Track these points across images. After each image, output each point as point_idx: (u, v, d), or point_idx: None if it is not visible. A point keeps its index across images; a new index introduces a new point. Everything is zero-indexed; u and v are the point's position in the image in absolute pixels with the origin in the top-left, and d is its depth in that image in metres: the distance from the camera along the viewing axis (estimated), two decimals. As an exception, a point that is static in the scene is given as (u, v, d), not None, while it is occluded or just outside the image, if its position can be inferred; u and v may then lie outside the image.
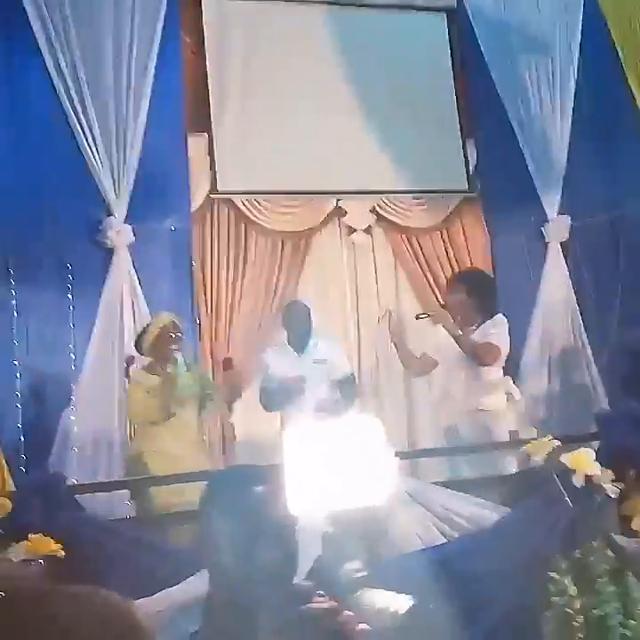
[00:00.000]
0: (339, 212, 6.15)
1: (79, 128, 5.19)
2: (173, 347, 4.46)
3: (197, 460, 4.38)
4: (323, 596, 1.01)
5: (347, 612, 0.98)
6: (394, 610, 1.00)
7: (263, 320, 5.81)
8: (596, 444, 2.78)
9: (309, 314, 4.98)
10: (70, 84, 5.18)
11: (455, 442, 4.42)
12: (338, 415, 4.71)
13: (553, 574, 2.52)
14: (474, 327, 4.60)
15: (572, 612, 2.50)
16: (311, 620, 0.98)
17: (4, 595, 0.73)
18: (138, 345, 4.60)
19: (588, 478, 2.60)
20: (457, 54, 6.46)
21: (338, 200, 6.12)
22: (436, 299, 6.03)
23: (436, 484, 2.94)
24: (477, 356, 4.52)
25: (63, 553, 2.27)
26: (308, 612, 0.98)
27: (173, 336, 4.48)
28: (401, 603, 1.01)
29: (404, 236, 6.27)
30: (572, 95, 6.23)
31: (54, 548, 2.29)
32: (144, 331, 4.58)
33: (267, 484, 1.38)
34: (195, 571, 1.94)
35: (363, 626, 0.98)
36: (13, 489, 3.21)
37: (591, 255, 6.19)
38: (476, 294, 4.60)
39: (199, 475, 2.74)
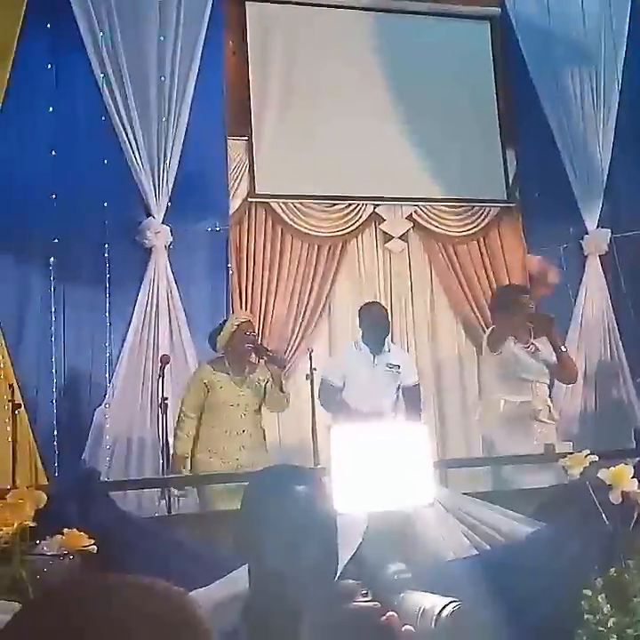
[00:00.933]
0: (376, 218, 6.14)
1: (121, 128, 5.26)
2: (248, 346, 4.47)
3: (257, 460, 4.35)
4: (366, 594, 1.00)
5: (391, 613, 0.97)
6: (438, 612, 0.99)
7: (296, 324, 5.81)
8: (634, 460, 2.73)
9: (387, 316, 4.95)
10: (114, 83, 5.26)
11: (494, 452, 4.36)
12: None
13: (587, 591, 2.48)
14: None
15: (604, 630, 2.46)
16: (355, 619, 0.98)
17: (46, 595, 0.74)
18: (211, 340, 4.63)
19: (625, 494, 2.56)
20: (499, 63, 6.42)
21: (375, 206, 6.11)
22: (471, 308, 5.99)
23: (468, 494, 2.91)
24: (572, 373, 4.55)
25: (96, 548, 2.28)
26: (351, 610, 0.98)
27: (249, 334, 4.51)
28: (445, 606, 1.00)
29: (440, 244, 6.23)
30: (616, 107, 6.17)
31: (88, 543, 2.30)
32: (220, 327, 4.60)
33: (308, 482, 1.38)
34: (227, 571, 1.94)
35: (407, 627, 0.97)
36: (46, 483, 3.24)
37: (631, 269, 6.11)
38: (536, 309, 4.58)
39: (239, 475, 2.74)
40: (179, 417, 4.49)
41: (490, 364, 4.65)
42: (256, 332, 4.67)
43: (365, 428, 1.20)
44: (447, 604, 1.00)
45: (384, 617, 0.98)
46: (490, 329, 4.57)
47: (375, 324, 4.83)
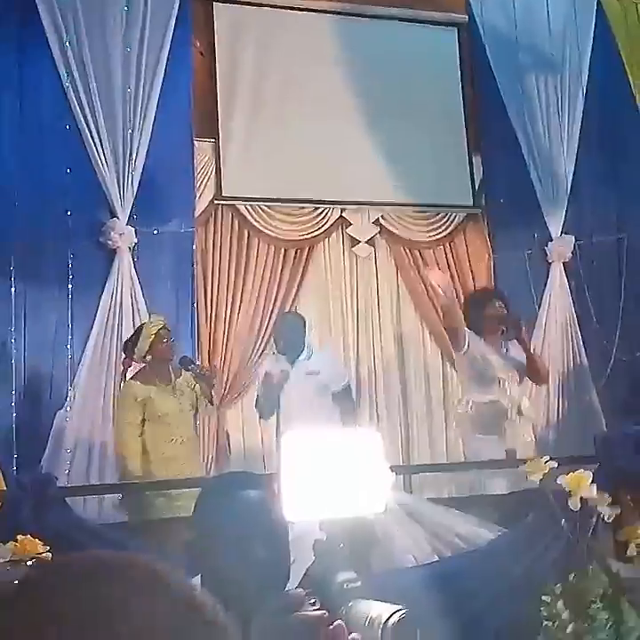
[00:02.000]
0: (342, 222, 6.14)
1: (86, 129, 5.20)
2: (167, 355, 4.41)
3: (193, 468, 4.34)
4: (314, 603, 0.99)
5: (338, 621, 0.97)
6: (384, 621, 0.99)
7: (262, 327, 5.78)
8: (593, 466, 2.75)
9: (303, 325, 4.94)
10: (79, 83, 5.19)
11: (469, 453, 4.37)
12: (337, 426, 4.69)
13: (546, 597, 2.50)
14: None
15: (563, 637, 2.47)
16: (302, 628, 0.97)
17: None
18: (127, 350, 4.54)
19: (584, 501, 2.57)
20: (466, 70, 6.46)
21: (342, 210, 6.11)
22: (436, 312, 6.01)
23: (430, 500, 2.91)
24: (543, 375, 4.61)
25: (50, 555, 2.24)
26: (299, 619, 0.97)
27: (166, 342, 4.43)
28: (393, 614, 0.99)
29: (406, 248, 6.25)
30: (580, 114, 6.24)
31: (41, 550, 2.25)
32: (136, 335, 4.49)
33: (260, 489, 1.37)
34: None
35: (354, 636, 0.96)
36: (4, 488, 3.18)
37: (594, 276, 6.18)
38: (509, 311, 4.61)
39: (193, 481, 2.71)
40: (120, 436, 4.41)
41: (460, 364, 4.68)
42: (171, 336, 4.53)
43: (317, 435, 1.19)
44: (394, 613, 1.00)
45: (331, 626, 0.97)
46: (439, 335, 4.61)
47: (289, 333, 4.83)
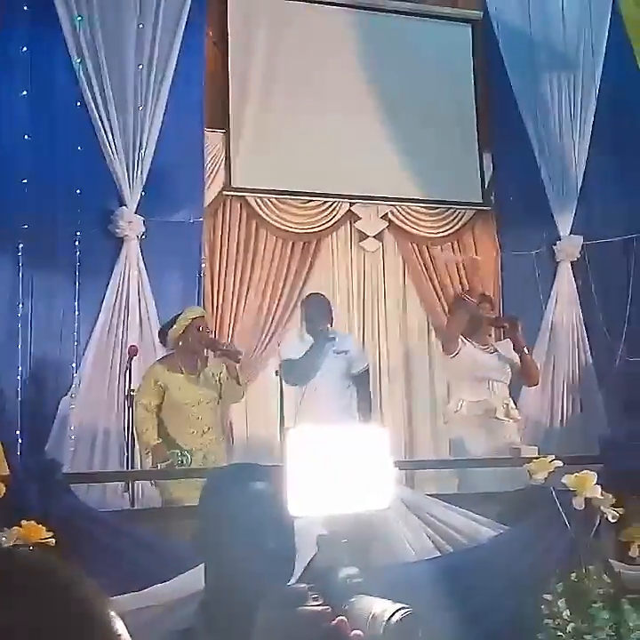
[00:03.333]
0: (351, 216, 6.13)
1: (97, 117, 5.19)
2: (202, 342, 4.40)
3: (216, 458, 4.32)
4: (317, 598, 1.00)
5: (340, 617, 0.98)
6: (387, 618, 0.99)
7: (268, 318, 5.79)
8: (598, 467, 2.75)
9: (330, 306, 4.93)
10: (91, 70, 5.19)
11: (458, 453, 4.38)
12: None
13: (547, 596, 2.50)
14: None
15: (563, 635, 2.48)
16: (304, 623, 0.98)
17: None
18: (162, 335, 4.54)
19: (587, 501, 2.58)
20: (479, 66, 6.44)
21: (351, 204, 6.10)
22: (443, 309, 6.00)
23: (433, 496, 2.91)
24: (534, 376, 4.69)
25: (54, 541, 2.25)
26: (301, 614, 0.98)
27: (202, 330, 4.43)
28: (396, 612, 1.00)
29: (414, 244, 6.24)
30: (593, 115, 6.22)
31: (45, 535, 2.26)
32: (171, 322, 4.49)
33: (266, 481, 1.37)
34: (187, 568, 1.92)
35: (356, 632, 0.97)
36: (8, 473, 3.19)
37: (601, 277, 6.16)
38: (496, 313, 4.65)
39: (199, 471, 2.72)
40: (135, 418, 4.42)
41: (448, 366, 4.69)
42: (210, 328, 4.58)
43: (323, 430, 1.19)
44: (397, 610, 1.00)
45: (333, 621, 0.98)
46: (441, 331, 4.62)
47: (317, 315, 4.81)
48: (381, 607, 1.01)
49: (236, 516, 1.35)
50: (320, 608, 0.99)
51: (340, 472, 1.15)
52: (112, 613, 0.60)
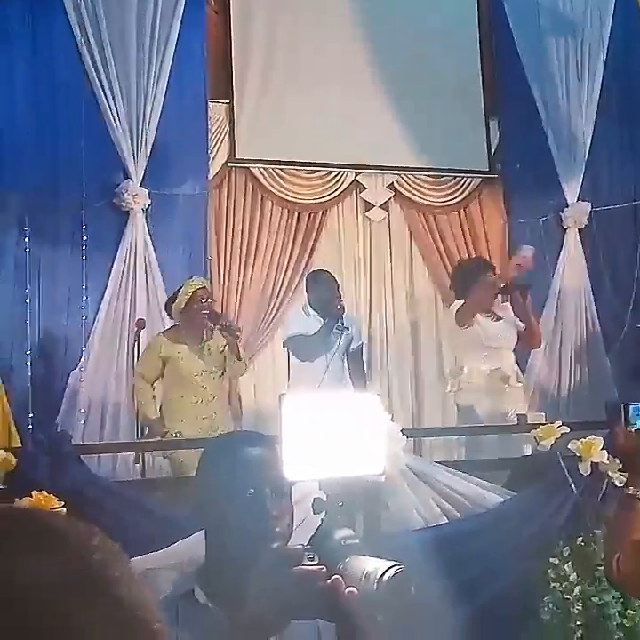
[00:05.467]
0: (356, 186, 6.10)
1: (100, 89, 5.16)
2: (204, 313, 4.41)
3: (223, 425, 4.37)
4: (312, 559, 1.03)
5: (335, 576, 1.00)
6: (380, 575, 1.01)
7: (275, 290, 5.79)
8: (605, 432, 2.75)
9: (335, 281, 4.93)
10: (93, 44, 5.15)
11: (470, 422, 4.39)
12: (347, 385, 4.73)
13: (554, 560, 2.52)
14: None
15: (570, 598, 2.50)
16: (300, 582, 1.01)
17: None
18: (168, 308, 4.56)
19: (594, 466, 2.59)
20: (485, 32, 6.35)
21: (356, 174, 6.07)
22: (448, 277, 5.99)
23: (441, 463, 2.93)
24: (537, 339, 4.76)
25: (65, 511, 2.27)
26: (296, 573, 1.00)
27: (204, 301, 4.44)
28: (388, 569, 1.02)
29: (420, 213, 6.22)
30: (600, 81, 6.14)
31: (56, 505, 2.29)
32: (175, 295, 4.51)
33: (264, 447, 1.39)
34: (191, 533, 1.95)
35: (350, 589, 0.99)
36: (20, 446, 3.23)
37: (609, 243, 6.13)
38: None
39: (203, 441, 2.74)
40: (134, 387, 4.48)
41: (458, 336, 4.69)
42: (213, 298, 4.58)
43: (318, 397, 1.21)
44: (389, 567, 1.02)
45: (328, 580, 1.00)
46: (458, 305, 4.59)
47: (323, 290, 4.81)
48: (374, 565, 1.04)
49: (233, 481, 1.37)
50: (315, 568, 1.02)
51: (334, 438, 1.17)
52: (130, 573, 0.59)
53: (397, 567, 1.03)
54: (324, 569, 1.02)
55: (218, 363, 4.44)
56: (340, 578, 1.01)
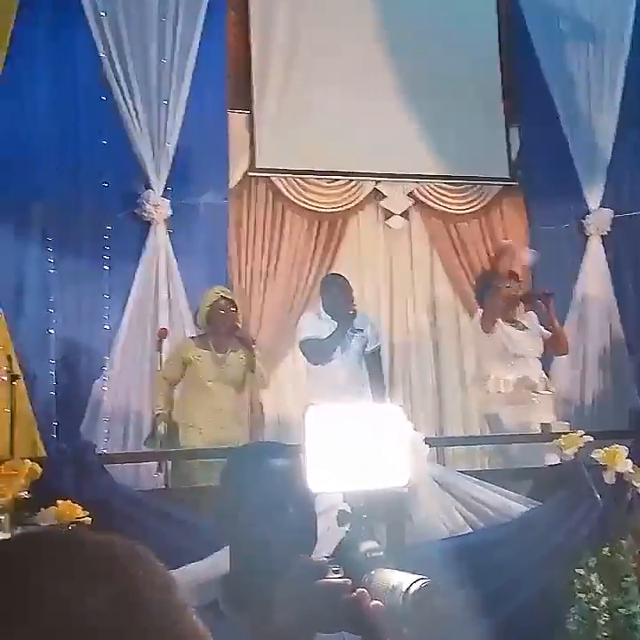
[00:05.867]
0: (377, 195, 6.10)
1: (122, 100, 5.21)
2: (225, 325, 4.45)
3: (233, 436, 4.39)
4: (338, 571, 1.02)
5: (360, 589, 1.00)
6: (406, 589, 1.01)
7: (296, 299, 5.80)
8: (629, 441, 2.73)
9: (349, 285, 4.94)
10: (114, 54, 5.20)
11: (497, 431, 4.37)
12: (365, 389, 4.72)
13: (579, 570, 2.50)
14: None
15: (597, 609, 2.48)
16: (325, 594, 1.00)
17: None
18: (195, 320, 4.68)
19: (619, 475, 2.57)
20: (504, 38, 6.34)
21: (376, 183, 6.07)
22: (471, 286, 5.97)
23: (464, 472, 2.92)
24: (564, 345, 4.76)
25: (90, 520, 2.29)
26: (322, 586, 1.00)
27: (224, 312, 4.48)
28: (414, 582, 1.01)
29: (441, 221, 6.20)
30: (621, 86, 6.11)
31: (81, 514, 2.31)
32: (199, 306, 4.61)
33: (288, 458, 1.39)
34: (221, 545, 1.94)
35: (376, 602, 0.99)
36: (45, 455, 3.25)
37: (632, 250, 6.09)
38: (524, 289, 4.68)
39: (227, 450, 2.74)
40: (156, 386, 4.61)
41: (483, 344, 4.68)
42: (235, 307, 4.61)
43: (341, 408, 1.20)
44: (415, 581, 1.02)
45: (353, 593, 1.00)
46: (479, 313, 4.62)
47: (337, 293, 4.82)
48: (400, 579, 1.03)
49: (256, 493, 1.37)
50: (340, 580, 1.01)
51: (359, 449, 1.17)
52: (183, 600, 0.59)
53: (423, 581, 1.02)
54: (350, 582, 1.01)
55: (237, 374, 4.47)
56: (366, 591, 1.00)
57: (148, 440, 4.48)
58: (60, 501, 2.31)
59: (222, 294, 4.56)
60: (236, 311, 4.62)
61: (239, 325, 4.74)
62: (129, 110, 5.22)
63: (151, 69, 5.29)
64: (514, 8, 6.20)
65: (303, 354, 4.83)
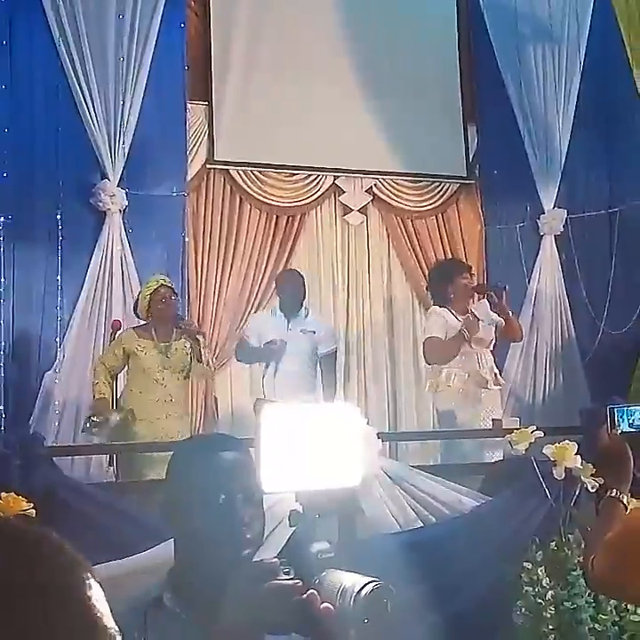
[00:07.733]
0: (335, 189, 6.11)
1: (78, 89, 5.13)
2: (166, 315, 4.39)
3: (184, 427, 4.36)
4: (288, 572, 1.01)
5: (311, 590, 0.98)
6: (357, 591, 1.00)
7: (252, 293, 5.77)
8: (579, 437, 2.77)
9: (304, 283, 4.94)
10: (71, 42, 5.11)
11: (449, 426, 4.38)
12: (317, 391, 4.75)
13: (527, 564, 2.53)
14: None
15: (543, 602, 2.51)
16: (275, 596, 0.99)
17: None
18: (135, 310, 4.56)
19: (568, 471, 2.60)
20: (464, 38, 6.39)
21: (335, 178, 6.07)
22: (426, 280, 6.00)
23: (416, 467, 2.93)
24: (518, 332, 4.75)
25: (34, 513, 2.24)
26: (272, 587, 0.99)
27: (165, 301, 4.41)
28: (366, 585, 1.01)
29: (398, 217, 6.24)
30: (577, 88, 6.19)
31: (25, 506, 2.26)
32: (138, 296, 4.52)
33: (236, 451, 1.37)
34: (166, 538, 1.92)
35: (326, 605, 0.98)
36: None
37: (585, 250, 6.19)
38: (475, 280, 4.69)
39: (176, 443, 2.71)
40: (94, 368, 4.52)
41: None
42: (176, 295, 4.53)
43: (296, 407, 1.19)
44: (367, 583, 1.01)
45: (304, 595, 0.99)
46: (432, 310, 4.57)
47: (290, 291, 4.83)
48: (351, 580, 1.02)
49: (204, 486, 1.34)
50: (291, 582, 1.00)
51: (312, 448, 1.15)
52: (90, 582, 0.61)
53: (375, 583, 1.01)
54: (300, 583, 1.00)
55: (182, 364, 4.41)
56: (316, 592, 0.99)
57: (89, 427, 4.27)
58: (3, 494, 2.26)
59: (162, 282, 4.47)
60: (176, 299, 4.56)
61: (180, 314, 4.67)
62: (85, 99, 5.14)
63: (109, 58, 5.21)
64: (474, 8, 6.25)
65: (235, 353, 4.92)
